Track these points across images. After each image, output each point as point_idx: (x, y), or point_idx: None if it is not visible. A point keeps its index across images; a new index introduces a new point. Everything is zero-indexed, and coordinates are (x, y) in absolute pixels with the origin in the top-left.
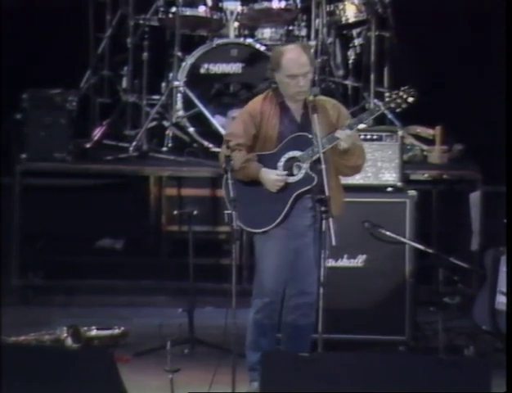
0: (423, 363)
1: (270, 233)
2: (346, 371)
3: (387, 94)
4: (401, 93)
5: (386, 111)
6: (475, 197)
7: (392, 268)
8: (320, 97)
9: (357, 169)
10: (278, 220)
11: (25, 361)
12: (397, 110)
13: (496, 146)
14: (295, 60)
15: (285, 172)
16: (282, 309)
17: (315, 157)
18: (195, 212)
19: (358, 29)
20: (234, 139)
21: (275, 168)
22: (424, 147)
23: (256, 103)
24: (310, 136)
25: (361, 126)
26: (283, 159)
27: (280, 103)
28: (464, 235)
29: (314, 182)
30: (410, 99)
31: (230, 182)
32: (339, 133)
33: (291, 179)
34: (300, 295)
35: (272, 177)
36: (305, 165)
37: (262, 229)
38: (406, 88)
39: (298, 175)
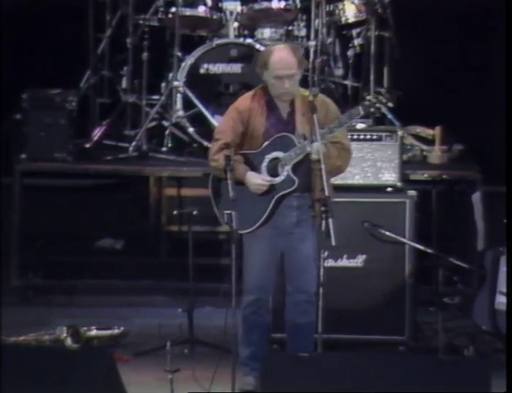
0: (423, 363)
1: (256, 232)
2: (346, 371)
3: (367, 98)
4: (380, 97)
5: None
6: (477, 198)
7: (391, 269)
8: (309, 94)
9: (336, 171)
10: (260, 222)
11: (25, 361)
12: (376, 114)
13: (496, 146)
14: (282, 61)
15: (269, 179)
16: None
17: (297, 159)
18: (195, 212)
19: (358, 29)
20: (222, 137)
21: (259, 167)
22: (424, 147)
23: (245, 100)
24: (293, 137)
25: (361, 126)
26: (267, 159)
27: (267, 101)
28: (464, 235)
29: (295, 186)
30: (390, 104)
31: (229, 182)
32: (310, 146)
33: (273, 181)
34: (296, 292)
35: (257, 181)
36: (287, 167)
37: (245, 231)
38: (385, 92)
39: (281, 177)
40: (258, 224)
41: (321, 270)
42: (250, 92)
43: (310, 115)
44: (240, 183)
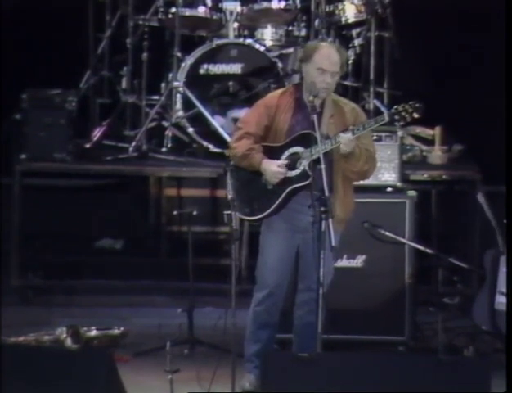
0: (423, 363)
1: (274, 227)
2: (346, 371)
3: (395, 106)
4: (407, 107)
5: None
6: (482, 198)
7: (391, 269)
8: (340, 99)
9: (363, 175)
10: (269, 211)
11: (25, 361)
12: (401, 122)
13: (496, 146)
14: (330, 57)
15: (286, 162)
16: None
17: (314, 156)
18: (195, 212)
19: (358, 30)
20: (245, 127)
21: (278, 160)
22: (424, 148)
23: (274, 96)
24: (316, 135)
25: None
26: (287, 153)
27: (297, 98)
28: (464, 235)
29: (309, 180)
30: (416, 114)
31: (228, 182)
32: (341, 137)
33: (289, 173)
34: (307, 290)
35: (273, 168)
36: (304, 162)
37: (253, 217)
38: (413, 102)
39: (297, 171)
40: (267, 213)
41: (321, 270)
42: (280, 90)
43: (339, 118)
44: (256, 173)
